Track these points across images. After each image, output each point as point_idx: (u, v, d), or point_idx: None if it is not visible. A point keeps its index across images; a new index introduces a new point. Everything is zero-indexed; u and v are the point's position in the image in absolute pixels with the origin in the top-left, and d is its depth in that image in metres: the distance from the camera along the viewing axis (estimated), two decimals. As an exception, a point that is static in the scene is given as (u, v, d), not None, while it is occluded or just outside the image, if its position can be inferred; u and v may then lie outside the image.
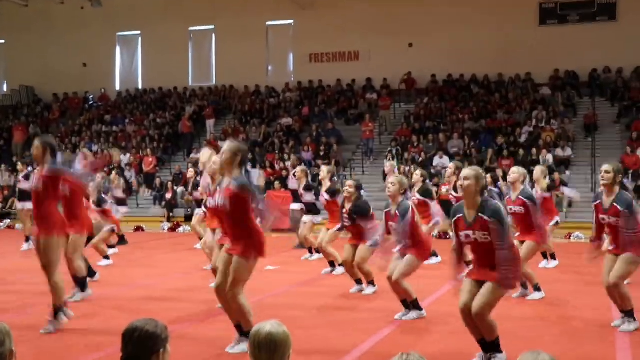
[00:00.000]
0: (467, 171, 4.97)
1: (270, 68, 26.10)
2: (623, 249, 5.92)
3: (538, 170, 9.86)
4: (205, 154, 6.93)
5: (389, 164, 12.61)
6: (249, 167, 5.50)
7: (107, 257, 10.47)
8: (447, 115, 21.89)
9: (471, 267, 5.08)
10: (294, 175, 11.74)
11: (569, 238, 15.09)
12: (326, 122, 22.57)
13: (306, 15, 24.47)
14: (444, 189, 12.36)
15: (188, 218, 17.34)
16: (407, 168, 18.00)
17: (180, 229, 17.61)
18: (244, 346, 5.12)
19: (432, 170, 18.72)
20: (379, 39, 23.57)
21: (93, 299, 7.56)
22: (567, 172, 18.73)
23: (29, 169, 14.57)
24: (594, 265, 6.72)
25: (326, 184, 9.71)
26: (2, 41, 28.79)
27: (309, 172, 11.75)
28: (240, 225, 5.21)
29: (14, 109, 28.05)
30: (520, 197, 7.38)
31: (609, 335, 5.93)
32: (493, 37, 22.39)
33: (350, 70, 24.21)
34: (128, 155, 22.74)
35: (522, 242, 7.34)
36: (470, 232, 4.90)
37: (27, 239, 12.45)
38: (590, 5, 22.03)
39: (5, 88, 29.47)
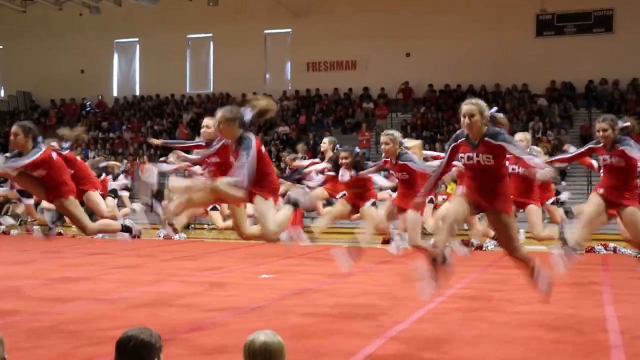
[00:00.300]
0: (469, 107, 5.08)
1: (267, 76, 26.16)
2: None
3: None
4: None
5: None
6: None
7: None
8: (444, 125, 21.95)
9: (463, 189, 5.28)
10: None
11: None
12: (323, 130, 22.62)
13: (303, 24, 24.56)
14: (440, 198, 12.38)
15: (185, 226, 17.32)
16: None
17: (177, 237, 17.56)
18: None
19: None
20: (376, 48, 23.67)
21: (85, 306, 7.52)
22: (563, 183, 18.79)
23: None
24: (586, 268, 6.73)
25: (329, 155, 10.04)
26: (0, 47, 28.81)
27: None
28: (260, 174, 5.69)
29: (11, 114, 28.04)
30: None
31: (602, 333, 5.92)
32: (490, 47, 22.51)
33: (348, 79, 24.29)
34: (125, 162, 22.71)
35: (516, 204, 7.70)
36: (473, 154, 5.06)
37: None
38: (587, 17, 22.18)
39: (2, 93, 29.48)
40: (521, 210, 8.23)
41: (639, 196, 6.81)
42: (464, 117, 5.13)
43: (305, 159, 12.60)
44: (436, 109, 22.75)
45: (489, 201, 5.19)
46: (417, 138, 21.45)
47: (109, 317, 7.07)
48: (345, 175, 8.43)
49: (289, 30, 25.48)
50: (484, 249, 12.36)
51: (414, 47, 23.63)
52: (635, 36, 21.30)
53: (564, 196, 10.31)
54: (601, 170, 6.81)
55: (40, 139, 6.34)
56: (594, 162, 8.10)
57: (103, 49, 27.13)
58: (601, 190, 6.64)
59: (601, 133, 6.45)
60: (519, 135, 8.04)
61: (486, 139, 5.08)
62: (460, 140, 5.24)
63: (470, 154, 5.12)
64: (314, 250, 11.64)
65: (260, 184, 5.77)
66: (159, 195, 11.09)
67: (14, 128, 6.21)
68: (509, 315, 6.55)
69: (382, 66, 23.69)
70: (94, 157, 20.33)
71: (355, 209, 8.59)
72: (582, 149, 7.09)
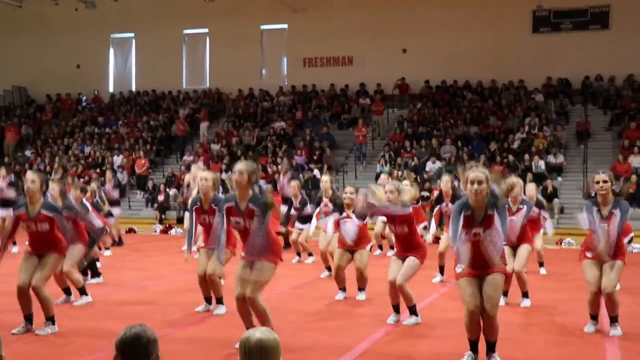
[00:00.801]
0: (478, 174, 4.95)
1: (264, 72, 26.12)
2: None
3: (532, 187, 10.06)
4: (194, 171, 7.18)
5: (383, 176, 12.70)
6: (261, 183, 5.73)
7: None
8: (440, 120, 21.96)
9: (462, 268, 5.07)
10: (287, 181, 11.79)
11: (560, 244, 15.15)
12: (319, 126, 22.60)
13: (300, 20, 24.52)
14: (435, 193, 12.41)
15: (180, 220, 17.33)
16: (399, 173, 18.05)
17: (172, 231, 17.57)
18: None
19: (425, 176, 18.80)
20: (372, 44, 23.64)
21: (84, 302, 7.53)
22: (559, 179, 18.83)
23: (11, 176, 14.40)
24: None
25: (328, 193, 9.79)
26: (-5, 42, 28.70)
27: (301, 184, 12.10)
28: (264, 236, 5.43)
29: (6, 109, 27.95)
30: (520, 206, 7.64)
31: (599, 341, 5.96)
32: (487, 43, 22.51)
33: (344, 74, 24.27)
34: (121, 157, 22.69)
35: (512, 249, 7.47)
36: (480, 231, 4.94)
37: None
38: (584, 14, 22.18)
39: (-3, 88, 29.36)
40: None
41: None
42: (472, 183, 4.93)
43: (289, 170, 12.57)
44: (433, 105, 22.74)
45: (490, 268, 5.04)
46: (413, 134, 21.53)
47: (107, 311, 7.08)
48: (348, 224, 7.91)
49: (285, 26, 25.43)
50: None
51: (411, 43, 23.62)
52: (631, 33, 21.32)
53: (548, 228, 10.49)
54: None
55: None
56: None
57: (99, 44, 27.04)
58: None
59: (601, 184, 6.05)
60: (513, 180, 7.84)
61: (489, 212, 4.95)
62: (466, 213, 4.99)
63: (477, 230, 4.95)
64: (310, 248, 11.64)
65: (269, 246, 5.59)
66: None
67: (33, 175, 6.17)
68: (500, 323, 6.58)
69: (379, 62, 23.68)
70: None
71: (352, 254, 7.87)
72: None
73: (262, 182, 5.78)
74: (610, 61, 21.56)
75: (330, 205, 9.40)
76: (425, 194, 17.12)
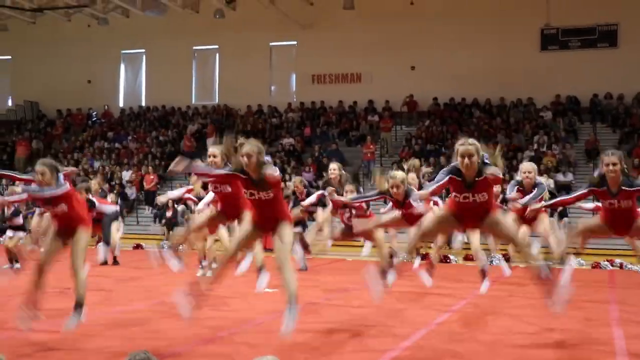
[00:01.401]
0: (468, 148, 5.24)
1: (273, 88, 26.27)
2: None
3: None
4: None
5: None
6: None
7: None
8: (448, 138, 21.97)
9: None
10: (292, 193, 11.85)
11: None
12: (328, 143, 22.66)
13: (309, 36, 24.68)
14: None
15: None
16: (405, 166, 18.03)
17: (180, 248, 17.59)
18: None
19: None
20: (381, 61, 23.75)
21: (87, 320, 7.53)
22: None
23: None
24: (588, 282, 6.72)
25: (335, 182, 9.80)
26: (9, 57, 29.04)
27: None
28: (277, 203, 5.78)
29: (17, 123, 28.21)
30: (533, 190, 8.00)
31: (607, 345, 5.90)
32: (495, 61, 22.55)
33: (352, 91, 24.37)
34: (130, 172, 22.81)
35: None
36: (469, 194, 5.29)
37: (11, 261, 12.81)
38: (592, 32, 22.22)
39: (10, 103, 29.67)
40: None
41: None
42: (463, 157, 5.26)
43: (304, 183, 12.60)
44: (441, 122, 22.78)
45: (480, 223, 5.50)
46: (421, 151, 21.55)
47: (111, 329, 7.08)
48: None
49: (294, 42, 25.61)
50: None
51: (419, 60, 23.71)
52: (639, 51, 21.32)
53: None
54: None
55: (61, 175, 6.45)
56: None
57: (110, 60, 27.32)
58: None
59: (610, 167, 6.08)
60: (527, 166, 8.04)
61: (479, 178, 5.30)
62: (456, 178, 5.40)
63: (467, 194, 5.36)
64: (315, 264, 11.63)
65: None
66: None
67: (40, 167, 6.30)
68: (513, 334, 6.54)
69: (387, 79, 23.77)
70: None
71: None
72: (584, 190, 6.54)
73: (268, 158, 5.96)
74: (618, 79, 21.56)
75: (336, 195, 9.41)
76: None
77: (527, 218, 7.92)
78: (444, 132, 22.31)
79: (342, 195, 8.49)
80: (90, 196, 9.19)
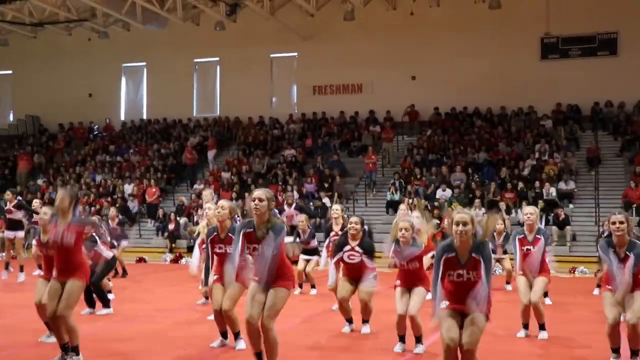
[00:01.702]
0: (464, 216, 4.96)
1: (274, 99, 26.30)
2: None
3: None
4: (207, 195, 7.11)
5: (402, 207, 12.44)
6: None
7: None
8: (450, 147, 21.96)
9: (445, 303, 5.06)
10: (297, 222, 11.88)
11: (573, 272, 15.01)
12: (329, 154, 22.65)
13: (309, 48, 24.73)
14: (446, 222, 12.36)
15: (190, 249, 17.32)
16: (409, 200, 17.99)
17: (183, 260, 17.57)
18: None
19: (435, 203, 18.73)
20: (382, 71, 23.78)
21: (92, 334, 7.50)
22: (571, 206, 18.72)
23: (19, 198, 14.62)
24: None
25: (339, 223, 9.73)
26: (10, 72, 29.12)
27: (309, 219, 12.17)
28: (277, 261, 5.48)
29: (19, 138, 28.24)
30: (537, 236, 7.57)
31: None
32: (496, 70, 22.58)
33: (354, 102, 24.38)
34: (132, 185, 22.80)
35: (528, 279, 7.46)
36: (463, 272, 4.95)
37: (7, 266, 12.72)
38: (592, 41, 22.25)
39: (11, 117, 29.71)
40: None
41: None
42: (457, 225, 4.95)
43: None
44: (442, 132, 22.76)
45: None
46: (423, 161, 21.52)
47: (115, 343, 7.04)
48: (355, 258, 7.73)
49: (295, 54, 25.65)
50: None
51: (420, 70, 23.73)
52: (639, 59, 21.34)
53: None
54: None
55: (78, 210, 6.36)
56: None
57: (111, 73, 27.37)
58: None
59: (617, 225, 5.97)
60: (531, 211, 7.73)
61: (473, 255, 4.97)
62: (448, 256, 5.03)
63: (460, 272, 4.98)
64: (316, 278, 11.57)
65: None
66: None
67: (63, 193, 6.21)
68: (519, 354, 6.50)
69: (388, 89, 23.78)
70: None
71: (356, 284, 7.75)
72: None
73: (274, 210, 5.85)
74: (619, 87, 21.56)
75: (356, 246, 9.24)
76: (435, 221, 17.03)
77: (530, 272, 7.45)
78: (446, 142, 22.30)
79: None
80: (93, 233, 8.71)
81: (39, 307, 6.83)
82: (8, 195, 13.34)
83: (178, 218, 20.13)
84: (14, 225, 12.92)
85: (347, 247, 7.73)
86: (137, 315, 9.13)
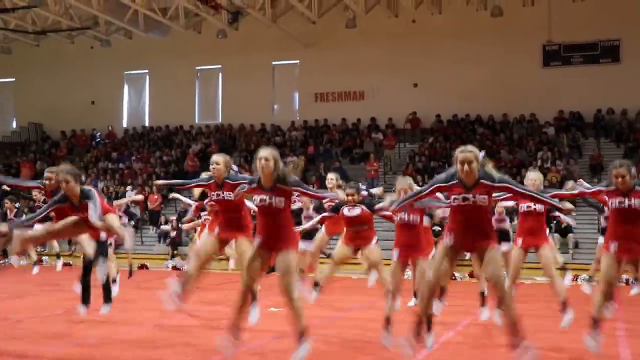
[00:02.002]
0: (467, 155, 5.29)
1: (276, 107, 26.34)
2: None
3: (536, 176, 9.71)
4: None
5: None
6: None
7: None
8: (452, 155, 21.89)
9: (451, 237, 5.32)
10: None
11: (576, 280, 14.92)
12: (331, 161, 22.66)
13: (311, 55, 24.79)
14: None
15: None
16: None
17: (185, 267, 17.54)
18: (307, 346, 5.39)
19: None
20: (383, 78, 23.82)
21: (89, 341, 7.47)
22: (573, 213, 18.64)
23: (17, 205, 14.81)
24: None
25: (335, 191, 9.56)
26: (13, 79, 29.22)
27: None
28: (285, 223, 5.56)
29: (22, 145, 28.30)
30: None
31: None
32: (497, 77, 22.60)
33: (355, 109, 24.41)
34: (134, 192, 22.79)
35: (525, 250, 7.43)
36: (469, 195, 5.23)
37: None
38: (594, 48, 22.26)
39: (14, 125, 29.79)
40: (531, 250, 7.73)
41: None
42: (462, 164, 5.27)
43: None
44: (444, 139, 22.77)
45: (479, 241, 5.33)
46: (424, 168, 21.51)
47: (118, 349, 7.01)
48: (354, 210, 8.00)
49: (297, 61, 25.71)
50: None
51: (422, 77, 23.76)
52: (642, 66, 21.36)
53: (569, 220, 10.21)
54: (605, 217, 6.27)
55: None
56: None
57: (113, 81, 27.46)
58: (613, 247, 5.89)
59: (620, 179, 5.80)
60: (533, 175, 7.79)
61: (481, 180, 5.27)
62: (452, 182, 5.37)
63: (467, 195, 5.27)
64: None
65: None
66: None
67: (63, 176, 6.42)
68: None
69: (390, 96, 23.81)
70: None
71: (357, 249, 8.10)
72: (593, 189, 6.37)
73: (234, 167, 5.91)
74: (621, 94, 21.56)
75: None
76: (437, 228, 16.99)
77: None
78: (448, 149, 22.29)
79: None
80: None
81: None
82: (7, 203, 13.59)
83: (180, 225, 20.11)
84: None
85: (346, 207, 7.99)
86: (137, 322, 9.09)
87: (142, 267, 17.83)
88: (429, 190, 5.56)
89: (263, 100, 25.69)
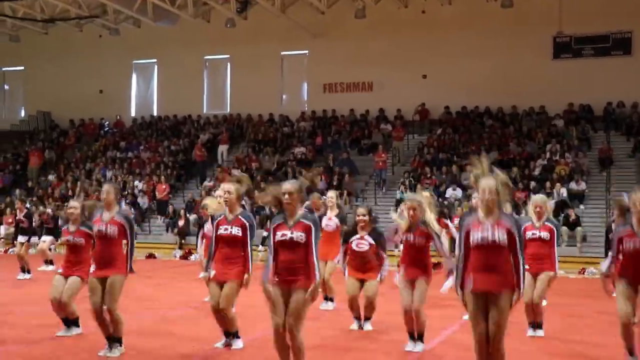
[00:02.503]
0: (489, 183, 5.00)
1: (284, 97, 26.29)
2: None
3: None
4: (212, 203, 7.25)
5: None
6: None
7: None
8: (460, 147, 21.85)
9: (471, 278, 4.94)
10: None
11: (583, 273, 14.91)
12: (339, 152, 22.60)
13: (320, 45, 24.69)
14: (456, 221, 12.25)
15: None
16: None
17: (192, 257, 17.59)
18: None
19: (445, 202, 18.66)
20: (392, 69, 23.69)
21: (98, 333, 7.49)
22: (582, 207, 18.58)
23: (27, 206, 15.13)
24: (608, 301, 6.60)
25: (334, 210, 9.44)
26: (22, 68, 29.27)
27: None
28: (306, 259, 5.27)
29: (30, 134, 28.38)
30: (547, 223, 7.32)
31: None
32: (507, 69, 22.44)
33: (364, 100, 24.32)
34: (142, 181, 22.86)
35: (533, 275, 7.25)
36: (488, 233, 4.92)
37: (23, 270, 13.03)
38: (605, 40, 22.05)
39: (22, 113, 29.86)
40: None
41: None
42: (484, 192, 4.98)
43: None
44: (453, 131, 22.66)
45: (498, 283, 4.92)
46: (433, 160, 21.42)
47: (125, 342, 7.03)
48: (362, 245, 7.64)
49: (306, 51, 25.62)
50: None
51: (430, 69, 23.63)
52: (653, 59, 21.15)
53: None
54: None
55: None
56: None
57: (122, 70, 27.45)
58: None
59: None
60: (539, 200, 7.48)
61: (500, 218, 4.99)
62: (470, 220, 5.07)
63: (485, 234, 4.94)
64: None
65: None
66: None
67: (108, 187, 6.57)
68: (528, 346, 6.43)
69: (399, 88, 23.71)
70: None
71: (362, 283, 7.73)
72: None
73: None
74: (632, 87, 21.35)
75: (335, 220, 9.17)
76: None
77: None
78: (456, 141, 22.20)
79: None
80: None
81: (55, 303, 7.03)
82: (17, 204, 14.17)
83: (188, 214, 20.17)
84: (24, 231, 13.65)
85: (356, 236, 7.70)
86: (145, 311, 9.13)
87: (150, 256, 17.89)
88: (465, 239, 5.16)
89: (271, 91, 25.63)
